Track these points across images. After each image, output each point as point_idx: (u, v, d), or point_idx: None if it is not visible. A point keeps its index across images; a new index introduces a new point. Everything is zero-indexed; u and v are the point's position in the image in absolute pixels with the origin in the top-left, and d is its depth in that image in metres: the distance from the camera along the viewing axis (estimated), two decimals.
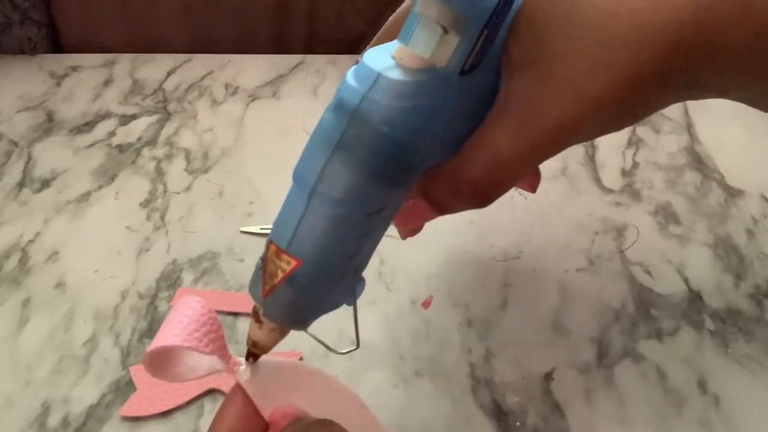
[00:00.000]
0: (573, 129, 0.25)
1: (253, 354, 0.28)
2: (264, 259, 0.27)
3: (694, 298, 0.39)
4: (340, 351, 0.31)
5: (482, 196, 0.26)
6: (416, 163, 0.26)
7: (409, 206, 0.29)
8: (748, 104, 0.27)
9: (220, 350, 0.25)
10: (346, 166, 0.24)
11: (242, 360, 0.26)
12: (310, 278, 0.26)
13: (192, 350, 0.25)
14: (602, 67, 0.24)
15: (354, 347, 0.30)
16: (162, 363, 0.26)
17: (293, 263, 0.26)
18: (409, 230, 0.32)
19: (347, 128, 0.24)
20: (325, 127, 0.24)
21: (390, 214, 0.27)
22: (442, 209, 0.28)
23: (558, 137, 0.25)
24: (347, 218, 0.25)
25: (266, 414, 0.25)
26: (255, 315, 0.28)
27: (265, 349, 0.28)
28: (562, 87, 0.24)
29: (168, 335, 0.25)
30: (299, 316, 0.28)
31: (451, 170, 0.26)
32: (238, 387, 0.26)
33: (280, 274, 0.26)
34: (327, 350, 0.36)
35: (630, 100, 0.24)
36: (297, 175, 0.26)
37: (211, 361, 0.26)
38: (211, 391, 0.34)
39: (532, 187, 0.33)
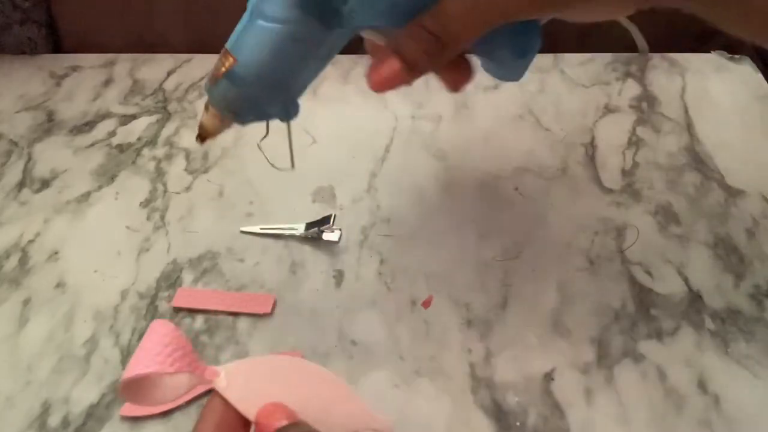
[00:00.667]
0: None
1: (201, 135, 0.35)
2: (217, 60, 0.34)
3: (694, 298, 0.39)
4: (277, 167, 0.35)
5: (438, 43, 0.30)
6: (340, 8, 0.31)
7: (381, 59, 0.31)
8: (708, 18, 0.31)
9: (190, 366, 0.26)
10: None
11: (218, 369, 0.26)
12: (243, 76, 0.32)
13: (158, 374, 0.25)
14: None
15: (290, 167, 0.35)
16: (142, 393, 0.26)
17: (232, 61, 0.32)
18: (380, 83, 0.32)
19: None
20: None
21: (324, 53, 0.33)
22: (409, 63, 0.31)
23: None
24: (277, 35, 0.31)
25: (252, 414, 0.26)
26: (205, 106, 0.35)
27: (210, 133, 0.35)
28: None
29: (132, 368, 0.25)
30: (234, 108, 0.34)
31: (414, 21, 0.30)
32: (216, 393, 0.26)
33: (222, 69, 0.33)
34: (327, 349, 0.36)
35: None
36: (249, 2, 0.32)
37: (187, 378, 0.26)
38: (211, 391, 0.34)
39: (455, 85, 0.35)
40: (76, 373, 0.35)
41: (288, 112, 0.35)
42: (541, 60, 0.59)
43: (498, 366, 0.35)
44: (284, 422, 0.25)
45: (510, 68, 0.34)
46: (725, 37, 0.65)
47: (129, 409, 0.33)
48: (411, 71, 0.31)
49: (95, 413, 0.33)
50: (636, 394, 0.34)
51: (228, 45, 0.33)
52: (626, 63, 0.59)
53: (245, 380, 0.26)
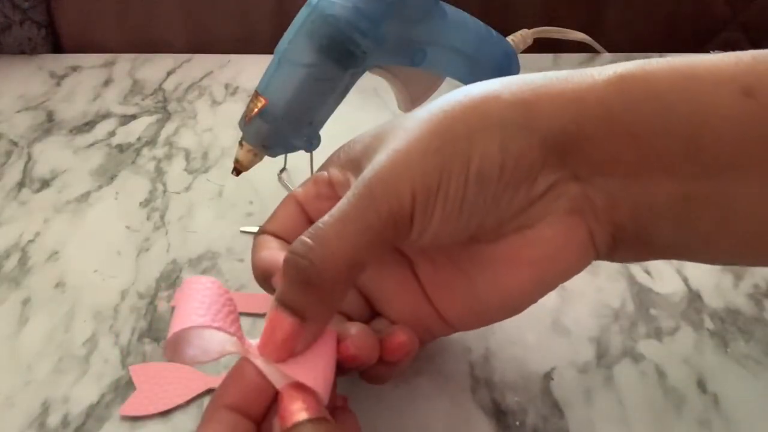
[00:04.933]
0: (386, 179, 0.26)
1: (237, 169, 0.41)
2: (249, 102, 0.39)
3: (694, 297, 0.39)
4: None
5: (312, 267, 0.25)
6: (355, 52, 0.37)
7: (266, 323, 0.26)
8: None
9: (239, 332, 0.25)
10: (305, 40, 0.37)
11: (254, 342, 0.26)
12: (274, 114, 0.38)
13: (220, 330, 0.25)
14: (425, 126, 0.27)
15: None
16: (180, 346, 0.26)
17: (263, 101, 0.38)
18: (275, 350, 0.26)
19: (308, 16, 0.37)
20: (298, 16, 0.37)
21: (340, 90, 0.39)
22: (294, 309, 0.25)
23: (374, 189, 0.26)
24: (302, 76, 0.37)
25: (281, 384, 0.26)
26: (240, 142, 0.40)
27: (245, 167, 0.40)
28: (385, 151, 0.27)
29: (193, 315, 0.24)
30: (265, 143, 0.39)
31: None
32: (246, 360, 0.26)
33: (255, 110, 0.38)
34: None
35: (452, 146, 0.26)
36: (276, 49, 0.38)
37: (223, 344, 0.26)
38: (211, 391, 0.34)
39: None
40: (76, 373, 0.35)
41: (311, 143, 0.40)
42: (541, 60, 0.59)
43: (497, 366, 0.35)
44: (304, 416, 0.24)
45: None
46: (725, 37, 0.65)
47: (129, 408, 0.33)
48: (303, 320, 0.25)
49: (95, 413, 0.33)
50: (635, 394, 0.34)
51: (258, 88, 0.39)
52: None
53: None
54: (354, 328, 0.28)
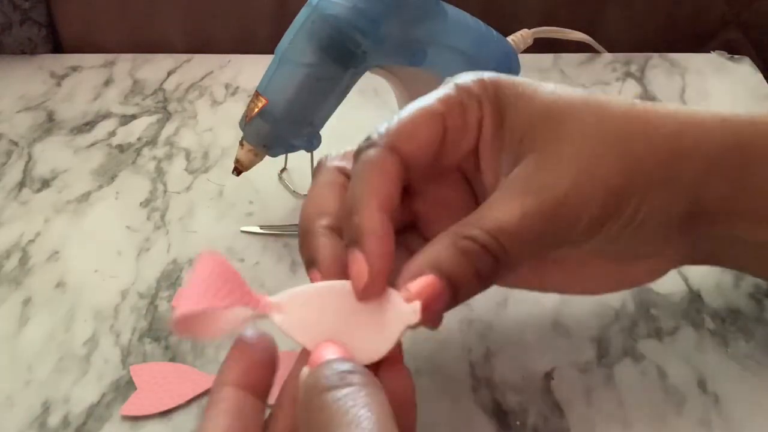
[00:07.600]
0: (570, 204, 0.27)
1: (237, 169, 0.41)
2: (249, 102, 0.40)
3: (694, 297, 0.39)
4: (301, 193, 0.41)
5: (496, 264, 0.26)
6: (355, 51, 0.37)
7: (412, 272, 0.26)
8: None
9: (242, 299, 0.25)
10: (305, 40, 0.37)
11: (271, 301, 0.26)
12: (274, 114, 0.38)
13: (211, 309, 0.25)
14: (611, 154, 0.27)
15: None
16: (196, 328, 0.26)
17: (263, 101, 0.38)
18: (434, 318, 0.26)
19: (309, 16, 0.37)
20: (299, 16, 0.38)
21: (341, 90, 0.39)
22: (455, 286, 0.26)
23: (559, 210, 0.27)
24: (302, 76, 0.38)
25: (311, 345, 0.26)
26: (240, 142, 0.41)
27: (246, 166, 0.41)
28: (569, 165, 0.27)
29: (184, 302, 0.25)
30: (266, 143, 0.40)
31: (462, 233, 0.26)
32: (244, 336, 0.26)
33: (255, 110, 0.39)
34: None
35: (631, 191, 0.27)
36: (276, 49, 0.39)
37: (242, 312, 0.26)
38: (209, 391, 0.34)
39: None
40: (76, 373, 0.35)
41: (312, 143, 0.40)
42: (541, 60, 0.59)
43: (498, 365, 0.35)
44: (334, 354, 0.24)
45: None
46: (725, 37, 0.65)
47: (129, 408, 0.33)
48: (455, 296, 0.26)
49: (95, 413, 0.33)
50: (636, 394, 0.34)
51: (258, 88, 0.39)
52: (626, 63, 0.59)
53: (297, 310, 0.26)
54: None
